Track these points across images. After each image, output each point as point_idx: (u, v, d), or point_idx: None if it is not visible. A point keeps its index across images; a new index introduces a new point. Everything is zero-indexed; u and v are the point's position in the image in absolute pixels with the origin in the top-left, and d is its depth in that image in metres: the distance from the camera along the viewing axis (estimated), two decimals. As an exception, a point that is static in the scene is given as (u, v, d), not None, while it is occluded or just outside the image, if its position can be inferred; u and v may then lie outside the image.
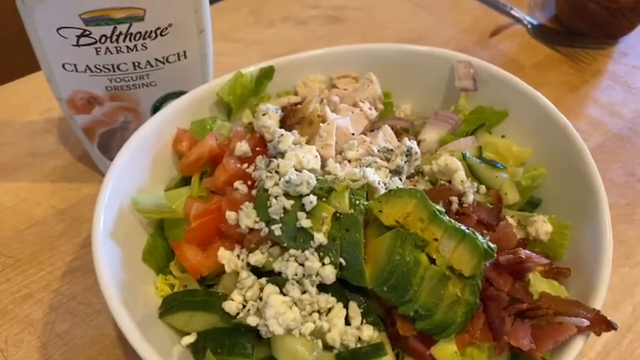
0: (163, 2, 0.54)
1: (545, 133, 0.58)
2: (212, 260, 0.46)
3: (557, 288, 0.49)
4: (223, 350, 0.44)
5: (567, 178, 0.55)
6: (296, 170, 0.47)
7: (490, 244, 0.44)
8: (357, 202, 0.43)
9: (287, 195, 0.44)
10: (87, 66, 0.57)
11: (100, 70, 0.57)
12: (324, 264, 0.42)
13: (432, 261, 0.43)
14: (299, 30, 0.93)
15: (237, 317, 0.44)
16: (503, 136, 0.60)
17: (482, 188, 0.53)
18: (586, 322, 0.43)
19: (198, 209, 0.49)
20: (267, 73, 0.62)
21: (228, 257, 0.46)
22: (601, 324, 0.44)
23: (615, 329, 0.44)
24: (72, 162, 0.73)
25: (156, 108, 0.63)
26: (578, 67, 0.92)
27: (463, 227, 0.43)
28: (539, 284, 0.48)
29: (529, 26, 0.97)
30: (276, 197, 0.44)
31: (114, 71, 0.57)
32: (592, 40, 0.94)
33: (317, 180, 0.45)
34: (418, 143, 0.55)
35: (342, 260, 0.42)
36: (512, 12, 0.99)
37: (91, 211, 0.68)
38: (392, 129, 0.56)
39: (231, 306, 0.43)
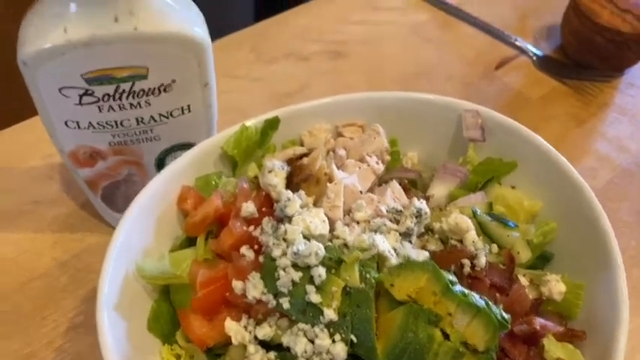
0: (167, 60, 0.53)
1: (554, 184, 0.57)
2: (218, 331, 0.45)
3: (572, 352, 0.48)
4: None
5: (579, 232, 0.54)
6: (304, 237, 0.46)
7: (504, 314, 0.43)
8: (368, 275, 0.42)
9: (295, 266, 0.43)
10: (90, 123, 0.56)
11: (103, 126, 0.56)
12: (334, 341, 0.41)
13: (446, 335, 0.42)
14: (301, 66, 0.93)
15: (245, 394, 0.43)
16: (513, 187, 0.59)
17: (494, 247, 0.51)
18: (604, 394, 0.42)
19: (204, 276, 0.47)
20: (272, 124, 0.61)
21: (235, 329, 0.44)
22: (620, 396, 0.42)
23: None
24: (75, 210, 0.72)
25: (160, 160, 0.62)
26: (585, 100, 0.91)
27: (477, 301, 0.42)
28: (554, 349, 0.47)
29: (534, 58, 0.96)
30: (284, 269, 0.43)
31: (117, 127, 0.57)
32: (598, 72, 0.94)
33: (325, 248, 0.44)
34: (427, 199, 0.54)
35: (353, 337, 0.41)
36: (517, 43, 0.98)
37: (95, 262, 0.68)
38: (399, 183, 0.55)
39: (238, 384, 0.42)
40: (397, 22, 1.02)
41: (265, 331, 0.44)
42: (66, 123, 0.56)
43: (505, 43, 0.99)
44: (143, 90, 0.54)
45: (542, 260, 0.55)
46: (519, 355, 0.44)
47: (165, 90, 0.55)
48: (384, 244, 0.45)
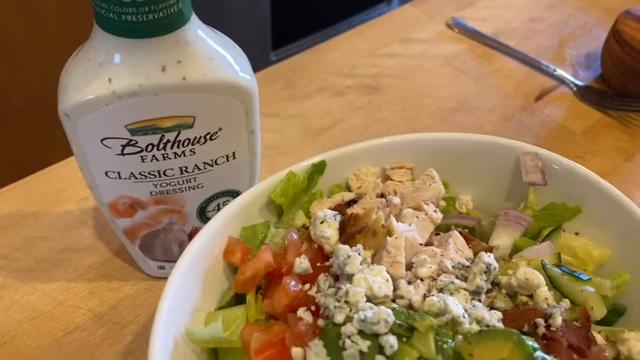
0: (214, 108, 0.51)
1: (622, 230, 0.53)
2: (277, 403, 0.42)
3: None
4: None
5: (653, 282, 0.51)
6: (367, 299, 0.43)
7: (591, 384, 0.39)
8: (445, 345, 0.39)
9: (361, 333, 0.40)
10: (131, 173, 0.53)
11: (145, 176, 0.54)
12: (409, 418, 0.38)
13: (531, 411, 0.38)
14: (336, 101, 0.90)
15: None
16: (576, 233, 0.56)
17: (566, 302, 0.48)
18: None
19: (258, 342, 0.44)
20: (318, 168, 0.59)
21: (296, 401, 0.41)
22: None
23: None
24: (109, 257, 0.70)
25: (202, 208, 0.59)
26: (631, 132, 0.88)
27: (564, 371, 0.38)
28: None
29: (575, 88, 0.93)
30: (349, 337, 0.40)
31: (160, 177, 0.54)
32: (644, 102, 0.90)
33: (393, 312, 0.41)
34: (491, 250, 0.51)
35: (430, 415, 0.38)
36: (556, 73, 0.95)
37: (131, 314, 0.65)
38: (460, 233, 0.52)
39: None
40: (430, 54, 1.00)
41: (330, 406, 0.40)
42: (106, 174, 0.54)
43: (544, 74, 0.96)
44: (189, 139, 0.52)
45: (614, 314, 0.52)
46: None
47: (211, 138, 0.53)
48: (457, 307, 0.42)
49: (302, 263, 0.48)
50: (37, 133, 1.11)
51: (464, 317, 0.41)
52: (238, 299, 0.52)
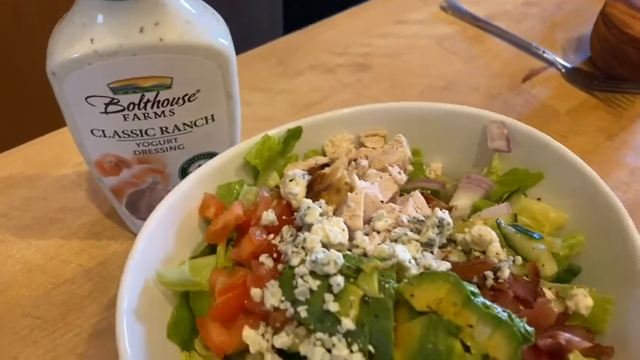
0: (191, 70, 0.54)
1: (582, 196, 0.55)
2: (236, 339, 0.45)
3: (600, 369, 0.46)
4: None
5: (607, 245, 0.53)
6: (323, 245, 0.46)
7: (527, 327, 0.41)
8: (387, 285, 0.41)
9: (313, 274, 0.43)
10: (115, 131, 0.57)
11: (128, 135, 0.57)
12: (352, 351, 0.41)
13: (467, 348, 0.41)
14: (326, 79, 0.93)
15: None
16: (539, 199, 0.58)
17: (519, 259, 0.50)
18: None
19: (222, 284, 0.47)
20: (294, 134, 0.62)
21: (252, 338, 0.44)
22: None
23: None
24: (100, 218, 0.74)
25: (184, 169, 0.63)
26: (616, 113, 0.89)
27: (499, 313, 0.41)
28: (581, 365, 0.45)
29: (563, 70, 0.95)
30: (302, 277, 0.43)
31: (142, 136, 0.58)
32: (629, 84, 0.91)
33: (344, 256, 0.44)
34: (450, 210, 0.53)
35: (370, 347, 0.41)
36: (545, 55, 0.97)
37: (118, 269, 0.68)
38: (422, 194, 0.55)
39: (255, 392, 0.42)
40: (422, 34, 1.02)
41: (283, 340, 0.43)
42: (92, 131, 0.57)
43: (533, 56, 0.98)
44: (167, 99, 0.55)
45: (569, 273, 0.54)
46: (544, 371, 0.43)
47: (189, 100, 0.56)
48: (405, 253, 0.44)
49: (268, 216, 0.51)
50: (41, 100, 1.15)
51: (410, 263, 0.44)
52: (211, 251, 0.55)
